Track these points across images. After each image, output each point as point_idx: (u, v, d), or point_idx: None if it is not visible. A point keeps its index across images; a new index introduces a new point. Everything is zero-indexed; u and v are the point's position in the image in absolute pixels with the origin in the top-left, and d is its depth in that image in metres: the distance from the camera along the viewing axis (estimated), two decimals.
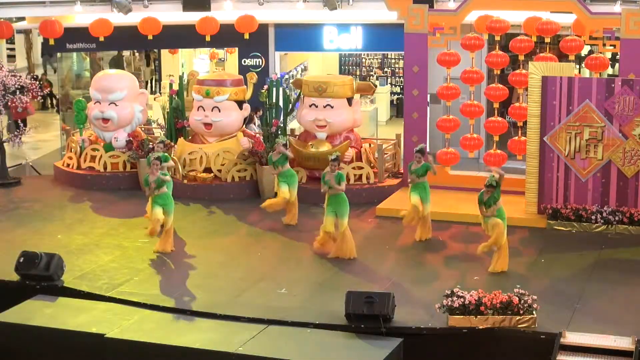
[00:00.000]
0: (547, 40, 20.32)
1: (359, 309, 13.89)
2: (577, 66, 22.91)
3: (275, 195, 18.91)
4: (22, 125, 22.58)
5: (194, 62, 28.55)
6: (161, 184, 17.22)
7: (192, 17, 23.60)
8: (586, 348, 13.28)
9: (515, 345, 13.67)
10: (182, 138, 21.80)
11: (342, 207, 16.86)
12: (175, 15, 23.69)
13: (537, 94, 18.37)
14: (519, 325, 13.70)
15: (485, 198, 15.90)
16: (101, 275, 16.16)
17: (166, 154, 18.86)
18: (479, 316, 13.75)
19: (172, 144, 21.45)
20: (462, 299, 13.84)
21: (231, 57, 26.84)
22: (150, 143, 20.98)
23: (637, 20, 18.63)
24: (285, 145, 18.82)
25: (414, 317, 14.22)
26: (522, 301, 13.78)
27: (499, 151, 20.49)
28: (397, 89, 29.65)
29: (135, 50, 30.95)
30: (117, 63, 29.83)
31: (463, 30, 20.45)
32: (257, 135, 21.66)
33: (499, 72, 20.67)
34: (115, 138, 21.88)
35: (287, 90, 23.48)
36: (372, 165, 21.00)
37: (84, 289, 15.50)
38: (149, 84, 31.31)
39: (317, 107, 20.80)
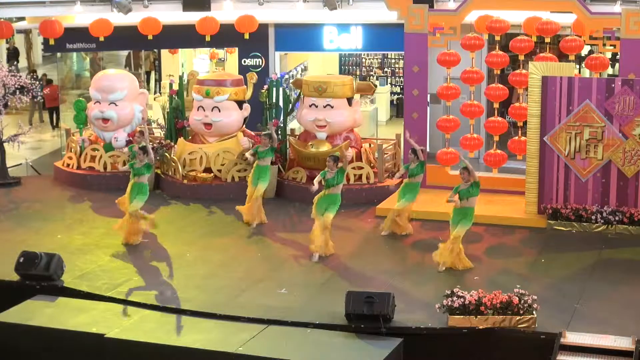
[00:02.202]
0: (547, 40, 20.31)
1: (359, 309, 13.89)
2: (577, 66, 22.90)
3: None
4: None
5: (194, 62, 28.54)
6: (140, 172, 17.33)
7: (192, 17, 23.59)
8: (586, 348, 13.28)
9: (515, 345, 13.67)
10: (182, 138, 21.80)
11: (334, 204, 16.91)
12: (175, 15, 23.68)
13: (537, 94, 18.37)
14: (519, 325, 13.70)
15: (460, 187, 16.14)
16: (101, 275, 16.16)
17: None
18: (479, 316, 13.75)
19: (172, 144, 21.45)
20: (462, 299, 13.84)
21: (231, 57, 26.83)
22: (151, 143, 20.95)
23: (637, 20, 18.63)
24: (269, 135, 18.88)
25: (414, 317, 14.22)
26: (522, 301, 13.78)
27: (499, 151, 20.49)
28: (397, 89, 29.64)
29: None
30: (132, 60, 30.25)
31: (463, 30, 20.44)
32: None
33: (499, 72, 20.67)
34: (115, 138, 21.88)
35: (287, 90, 23.47)
36: (372, 165, 21.00)
37: (84, 289, 15.50)
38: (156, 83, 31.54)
39: (317, 107, 20.80)
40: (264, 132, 19.27)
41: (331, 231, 17.12)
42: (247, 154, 19.17)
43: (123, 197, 18.00)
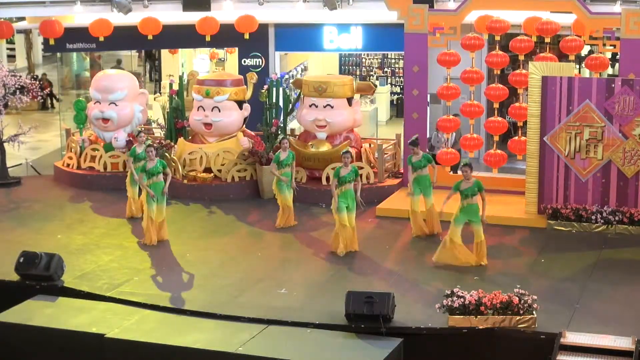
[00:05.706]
0: (547, 40, 20.32)
1: (359, 309, 13.89)
2: (577, 66, 22.91)
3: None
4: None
5: (194, 62, 28.55)
6: (157, 171, 17.37)
7: (192, 17, 23.61)
8: (586, 348, 13.27)
9: (515, 345, 13.66)
10: (182, 138, 21.81)
11: (353, 202, 16.94)
12: (175, 15, 23.70)
13: (537, 94, 18.37)
14: (519, 325, 13.70)
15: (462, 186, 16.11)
16: (101, 275, 16.16)
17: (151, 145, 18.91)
18: (479, 316, 13.75)
19: (172, 144, 21.46)
20: (462, 299, 13.83)
21: (231, 57, 26.85)
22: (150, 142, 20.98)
23: (637, 20, 18.63)
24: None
25: (414, 317, 14.22)
26: (522, 301, 13.77)
27: (499, 151, 20.50)
28: (397, 89, 29.66)
29: None
30: (151, 57, 30.53)
31: (463, 30, 20.44)
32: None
33: (499, 72, 20.67)
34: (115, 138, 21.89)
35: (287, 90, 23.48)
36: (372, 165, 21.01)
37: (84, 289, 15.50)
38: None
39: (317, 107, 20.81)
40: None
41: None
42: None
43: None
